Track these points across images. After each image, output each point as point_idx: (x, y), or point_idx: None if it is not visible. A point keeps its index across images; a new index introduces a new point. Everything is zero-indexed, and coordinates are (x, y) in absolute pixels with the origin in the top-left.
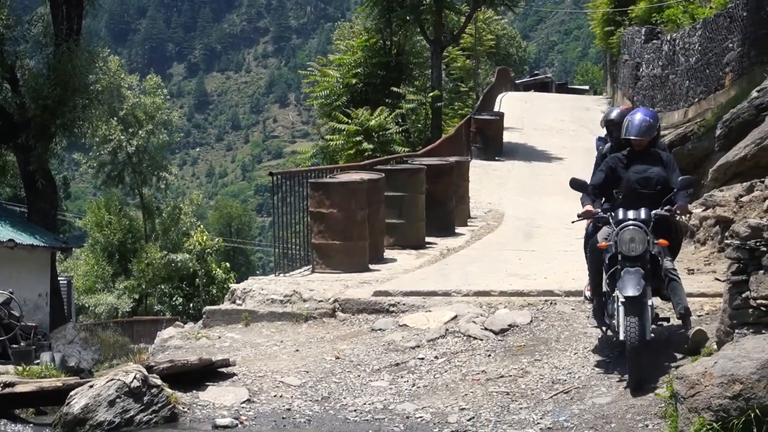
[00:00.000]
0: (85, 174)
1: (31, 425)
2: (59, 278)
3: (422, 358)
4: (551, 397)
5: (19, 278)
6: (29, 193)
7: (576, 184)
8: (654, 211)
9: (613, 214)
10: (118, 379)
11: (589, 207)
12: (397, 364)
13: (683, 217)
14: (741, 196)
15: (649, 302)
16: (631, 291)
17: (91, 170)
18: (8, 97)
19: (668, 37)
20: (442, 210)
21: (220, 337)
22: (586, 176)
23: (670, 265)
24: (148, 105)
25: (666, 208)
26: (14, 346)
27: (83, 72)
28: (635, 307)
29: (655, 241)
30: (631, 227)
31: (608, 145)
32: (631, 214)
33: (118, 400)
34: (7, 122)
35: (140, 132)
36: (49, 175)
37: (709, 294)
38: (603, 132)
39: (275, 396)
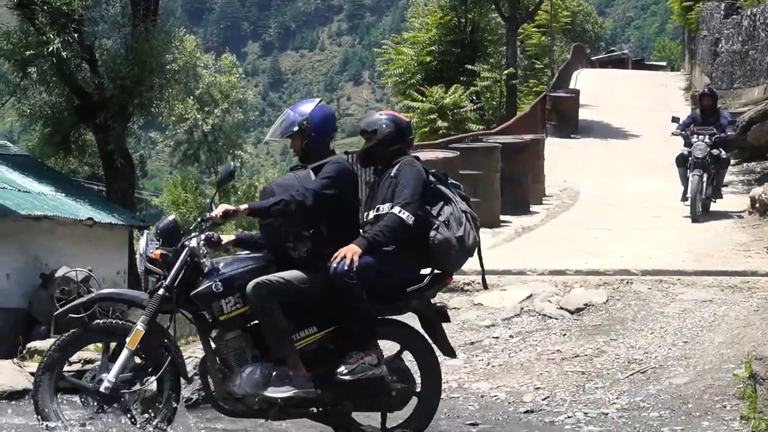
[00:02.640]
0: (161, 152)
1: None
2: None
3: (497, 337)
4: (627, 377)
5: (98, 256)
6: (107, 172)
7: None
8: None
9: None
10: (197, 356)
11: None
12: (472, 343)
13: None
14: None
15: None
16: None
17: (167, 149)
18: (87, 78)
19: (748, 12)
20: (517, 188)
21: None
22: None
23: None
24: (224, 84)
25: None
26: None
27: (160, 52)
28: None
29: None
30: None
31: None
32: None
33: (195, 377)
34: (86, 102)
35: (215, 111)
36: (127, 154)
37: None
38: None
39: None
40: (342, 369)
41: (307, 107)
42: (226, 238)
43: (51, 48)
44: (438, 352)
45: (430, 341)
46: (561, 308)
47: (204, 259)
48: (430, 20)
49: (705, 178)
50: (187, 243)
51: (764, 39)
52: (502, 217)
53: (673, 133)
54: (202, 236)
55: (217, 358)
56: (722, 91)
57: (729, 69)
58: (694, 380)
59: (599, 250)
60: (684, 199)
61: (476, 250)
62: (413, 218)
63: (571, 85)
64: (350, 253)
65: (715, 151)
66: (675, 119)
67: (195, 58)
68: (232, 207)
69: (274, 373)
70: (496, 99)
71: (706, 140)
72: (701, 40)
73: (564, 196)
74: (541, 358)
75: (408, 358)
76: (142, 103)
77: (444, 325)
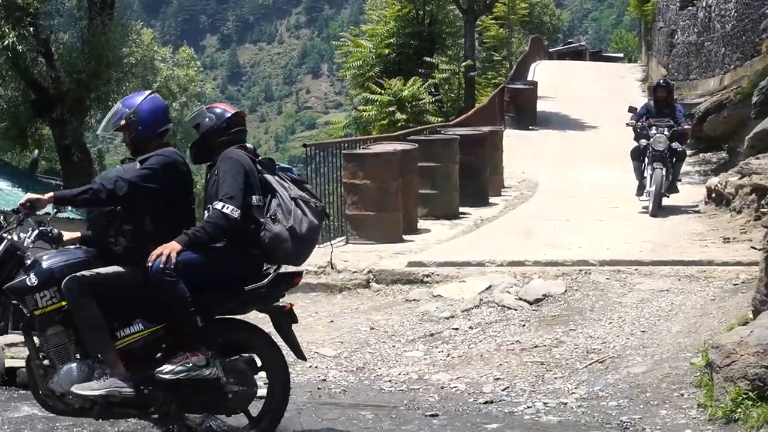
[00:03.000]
0: (120, 147)
1: None
2: None
3: (456, 329)
4: (586, 366)
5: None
6: (65, 167)
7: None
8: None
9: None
10: None
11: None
12: (432, 335)
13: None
14: None
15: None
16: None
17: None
18: (43, 71)
19: (704, 4)
20: (475, 180)
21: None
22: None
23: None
24: (182, 77)
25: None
26: None
27: (117, 45)
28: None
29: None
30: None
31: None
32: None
33: None
34: (43, 96)
35: (174, 104)
36: (85, 148)
37: (745, 262)
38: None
39: (310, 367)
40: (163, 368)
41: (136, 100)
42: (68, 235)
43: (6, 42)
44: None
45: (286, 343)
46: (520, 299)
47: (28, 252)
48: (389, 13)
49: (665, 172)
50: (5, 235)
51: (719, 30)
52: (461, 209)
53: (627, 124)
54: (35, 231)
55: (40, 354)
56: (678, 83)
57: (685, 60)
58: (651, 369)
59: (558, 241)
60: (640, 194)
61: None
62: (239, 211)
63: (529, 77)
64: (167, 250)
65: (674, 144)
66: (632, 109)
67: (152, 52)
68: (36, 195)
69: (93, 372)
70: (455, 91)
71: (666, 132)
72: (657, 32)
73: (522, 188)
74: (500, 349)
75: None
76: (99, 96)
77: (404, 315)
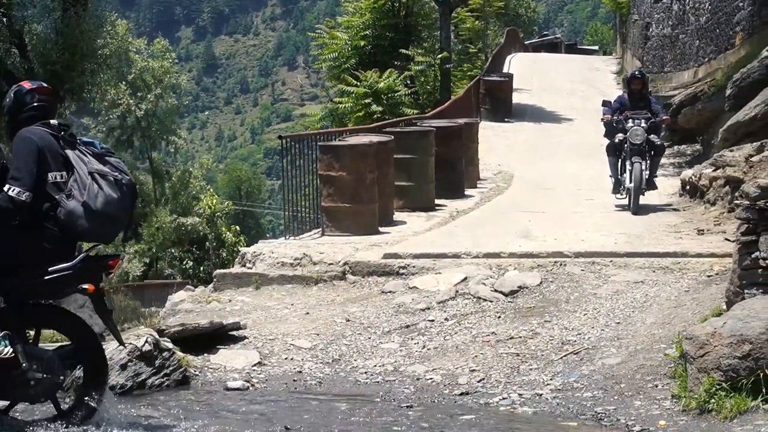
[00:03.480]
0: (94, 138)
1: None
2: None
3: (432, 320)
4: (561, 358)
5: None
6: None
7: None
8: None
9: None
10: (130, 343)
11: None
12: (407, 326)
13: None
14: (751, 156)
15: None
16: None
17: (100, 135)
18: (16, 63)
19: None
20: (451, 172)
21: (230, 301)
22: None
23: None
24: (157, 69)
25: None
26: None
27: (91, 37)
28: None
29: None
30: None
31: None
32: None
33: (129, 363)
34: None
35: (149, 96)
36: None
37: (719, 254)
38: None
39: (286, 359)
40: None
41: None
42: None
43: None
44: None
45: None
46: (495, 291)
47: None
48: (364, 4)
49: (644, 166)
50: None
51: (694, 23)
52: (437, 201)
53: (602, 119)
54: None
55: None
56: (653, 75)
57: (660, 53)
58: (626, 360)
59: (533, 233)
60: (616, 191)
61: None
62: (27, 192)
63: (505, 69)
64: None
65: (652, 137)
66: (605, 103)
67: (127, 43)
68: None
69: None
70: (431, 83)
71: (643, 125)
72: (632, 25)
73: (498, 180)
74: (476, 341)
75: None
76: (73, 88)
77: (380, 307)
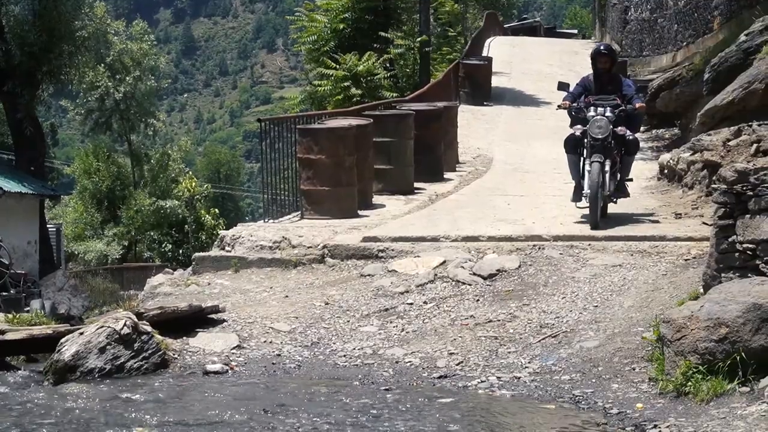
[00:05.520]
0: (72, 121)
1: (22, 372)
2: (48, 226)
3: (411, 304)
4: (539, 341)
5: (8, 226)
6: (17, 141)
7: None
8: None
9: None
10: (109, 326)
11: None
12: (386, 310)
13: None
14: (728, 140)
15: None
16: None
17: (78, 117)
18: None
19: None
20: (430, 155)
21: (209, 284)
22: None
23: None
24: (135, 51)
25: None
26: (4, 294)
27: (69, 18)
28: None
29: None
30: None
31: None
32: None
33: (108, 347)
34: None
35: (127, 78)
36: (37, 122)
37: (696, 238)
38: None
39: (265, 342)
40: None
41: None
42: None
43: None
44: None
45: None
46: (474, 274)
47: None
48: None
49: (608, 167)
50: None
51: (672, 7)
52: (416, 184)
53: (559, 107)
54: None
55: None
56: (632, 59)
57: (638, 37)
58: (604, 344)
59: (512, 217)
60: (577, 198)
61: None
62: None
63: (484, 53)
64: None
65: (620, 130)
66: (562, 86)
67: (105, 25)
68: None
69: None
70: (410, 66)
71: (608, 114)
72: (611, 8)
73: (477, 163)
74: (454, 324)
75: None
76: (51, 70)
77: (359, 290)
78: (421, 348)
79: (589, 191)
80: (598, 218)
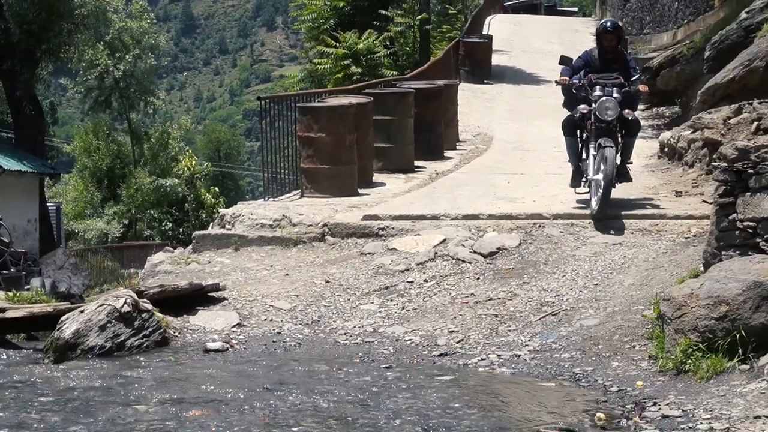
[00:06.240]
0: (72, 99)
1: (23, 350)
2: (48, 204)
3: (411, 282)
4: (539, 319)
5: (7, 204)
6: (16, 119)
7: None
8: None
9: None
10: (109, 304)
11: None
12: (387, 288)
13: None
14: (729, 118)
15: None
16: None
17: (78, 95)
18: None
19: None
20: (430, 134)
21: (209, 262)
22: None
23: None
24: (135, 29)
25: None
26: (4, 272)
27: None
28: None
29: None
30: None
31: None
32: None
33: (109, 324)
34: None
35: (127, 56)
36: (36, 100)
37: (697, 216)
38: None
39: (265, 320)
40: None
41: None
42: None
43: None
44: None
45: None
46: (474, 252)
47: None
48: None
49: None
50: None
51: None
52: (417, 163)
53: (557, 82)
54: None
55: None
56: (632, 37)
57: (639, 15)
58: (604, 322)
59: (512, 195)
60: (575, 184)
61: None
62: None
63: (484, 31)
64: None
65: (626, 113)
66: (564, 60)
67: (104, 3)
68: None
69: None
70: (410, 44)
71: (615, 95)
72: None
73: (477, 142)
74: (454, 302)
75: None
76: (50, 48)
77: (359, 268)
78: (422, 326)
79: (598, 177)
80: (606, 206)
